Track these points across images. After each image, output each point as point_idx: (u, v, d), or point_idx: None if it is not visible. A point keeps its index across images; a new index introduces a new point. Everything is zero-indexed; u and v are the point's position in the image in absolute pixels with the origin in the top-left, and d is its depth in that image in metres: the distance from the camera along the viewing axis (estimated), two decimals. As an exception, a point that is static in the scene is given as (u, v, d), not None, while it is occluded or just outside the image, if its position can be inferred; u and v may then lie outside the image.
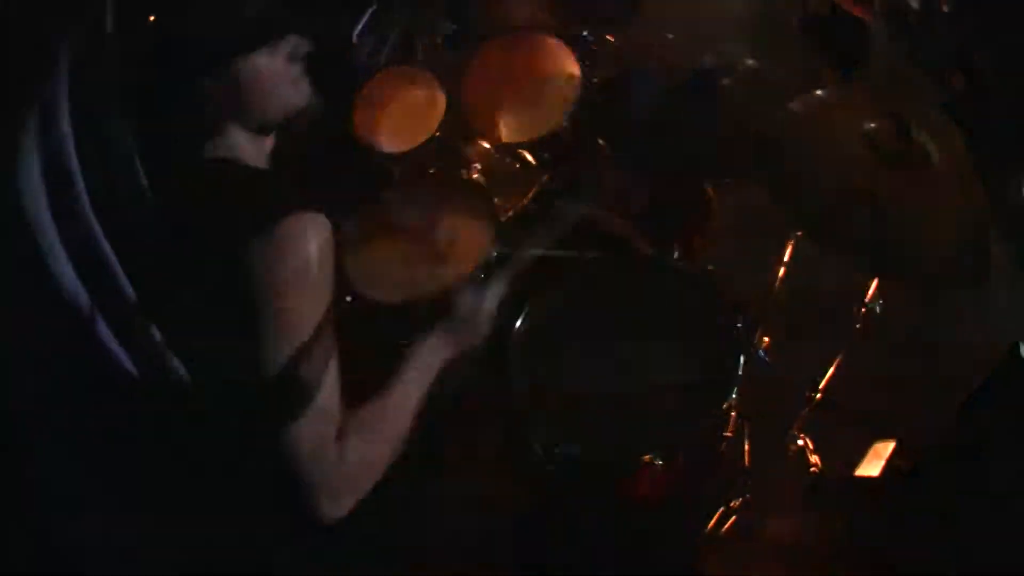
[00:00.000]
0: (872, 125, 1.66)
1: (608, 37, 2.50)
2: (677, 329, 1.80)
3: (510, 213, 2.12)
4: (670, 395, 1.71)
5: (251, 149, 1.38)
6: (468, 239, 1.87)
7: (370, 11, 3.03)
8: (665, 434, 1.70)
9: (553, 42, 2.24)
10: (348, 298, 1.79)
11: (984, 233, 1.58)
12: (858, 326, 2.09)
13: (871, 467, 2.38)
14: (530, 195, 2.15)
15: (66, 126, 1.15)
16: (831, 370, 2.03)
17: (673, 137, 2.23)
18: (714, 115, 2.19)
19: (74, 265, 1.18)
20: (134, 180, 1.22)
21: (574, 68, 2.18)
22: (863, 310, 2.05)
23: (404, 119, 2.31)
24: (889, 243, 1.56)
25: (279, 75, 1.34)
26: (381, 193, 2.07)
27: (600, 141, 2.28)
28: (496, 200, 2.06)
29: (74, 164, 1.16)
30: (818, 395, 2.08)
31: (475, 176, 2.17)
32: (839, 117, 1.74)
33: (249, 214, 1.22)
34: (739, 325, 1.78)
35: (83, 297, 1.19)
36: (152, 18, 1.24)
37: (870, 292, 2.07)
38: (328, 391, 1.23)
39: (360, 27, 3.05)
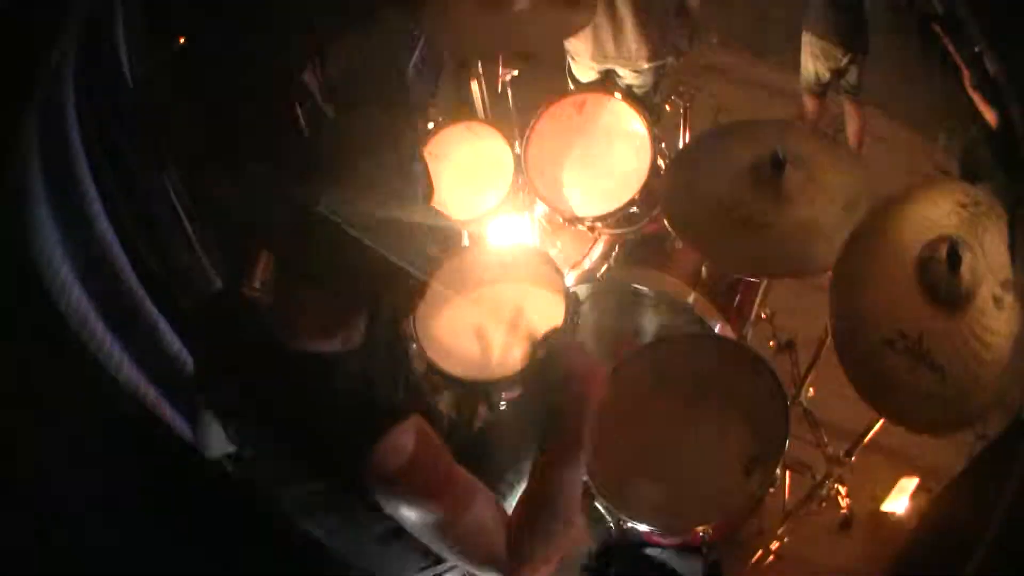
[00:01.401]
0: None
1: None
2: (728, 402, 1.91)
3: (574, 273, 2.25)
4: (727, 467, 1.83)
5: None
6: (541, 312, 1.89)
7: (422, 42, 3.07)
8: (720, 505, 1.84)
9: (622, 107, 2.28)
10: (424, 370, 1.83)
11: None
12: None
13: (897, 503, 2.58)
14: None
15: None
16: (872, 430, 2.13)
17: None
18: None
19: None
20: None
21: (644, 134, 2.21)
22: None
23: (473, 179, 2.36)
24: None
25: None
26: (452, 259, 2.04)
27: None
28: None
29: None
30: (852, 458, 2.18)
31: (553, 251, 2.25)
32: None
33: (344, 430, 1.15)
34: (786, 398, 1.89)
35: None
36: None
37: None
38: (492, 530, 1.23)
39: (415, 58, 3.09)
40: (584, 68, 2.77)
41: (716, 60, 3.85)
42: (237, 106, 2.15)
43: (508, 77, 2.57)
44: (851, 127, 3.45)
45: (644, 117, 2.23)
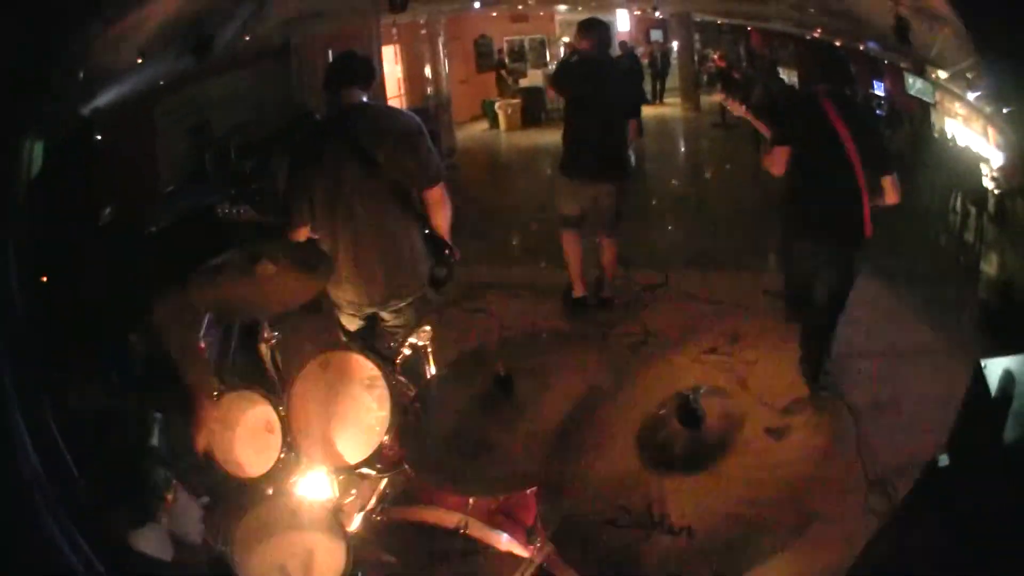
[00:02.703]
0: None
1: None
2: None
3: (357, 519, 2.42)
4: None
5: None
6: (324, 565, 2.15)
7: (208, 316, 3.37)
8: None
9: (361, 362, 2.51)
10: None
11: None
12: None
13: None
14: (373, 501, 2.47)
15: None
16: None
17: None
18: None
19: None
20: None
21: (383, 386, 2.45)
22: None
23: (252, 443, 2.58)
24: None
25: None
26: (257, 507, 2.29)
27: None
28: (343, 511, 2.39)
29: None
30: None
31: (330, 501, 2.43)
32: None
33: None
34: None
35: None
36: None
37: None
38: None
39: (204, 327, 3.39)
40: (348, 317, 3.11)
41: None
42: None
43: (273, 340, 2.82)
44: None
45: (380, 366, 2.47)
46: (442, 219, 3.20)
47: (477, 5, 9.39)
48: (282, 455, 2.52)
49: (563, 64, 5.59)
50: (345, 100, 3.18)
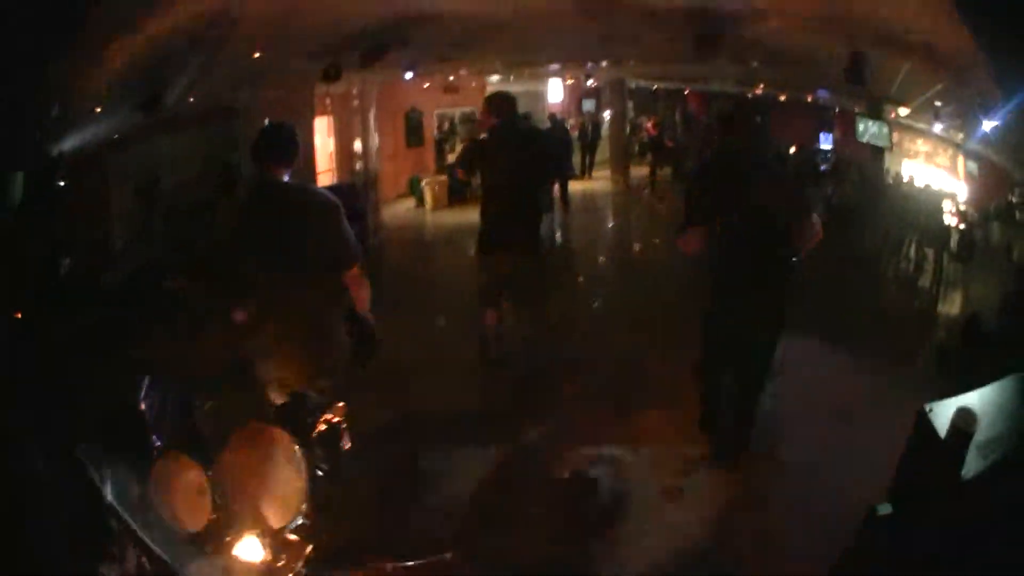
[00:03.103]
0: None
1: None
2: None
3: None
4: None
5: None
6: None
7: (146, 380, 3.65)
8: None
9: (279, 436, 2.73)
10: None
11: None
12: None
13: None
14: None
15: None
16: None
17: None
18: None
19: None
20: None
21: (299, 458, 2.69)
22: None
23: (187, 502, 2.75)
24: None
25: None
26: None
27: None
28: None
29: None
30: None
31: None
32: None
33: None
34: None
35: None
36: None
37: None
38: None
39: (143, 392, 3.65)
40: (275, 391, 3.43)
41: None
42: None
43: (207, 407, 3.14)
44: None
45: (297, 441, 2.70)
46: (362, 298, 3.35)
47: (408, 75, 9.36)
48: (212, 516, 2.74)
49: (467, 147, 5.55)
50: (268, 176, 3.27)
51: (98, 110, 5.87)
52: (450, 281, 8.03)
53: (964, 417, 1.66)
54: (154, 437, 3.28)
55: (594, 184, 14.86)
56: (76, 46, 3.93)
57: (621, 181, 14.53)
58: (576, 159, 14.45)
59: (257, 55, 6.50)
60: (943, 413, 1.69)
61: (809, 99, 9.60)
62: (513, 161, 4.93)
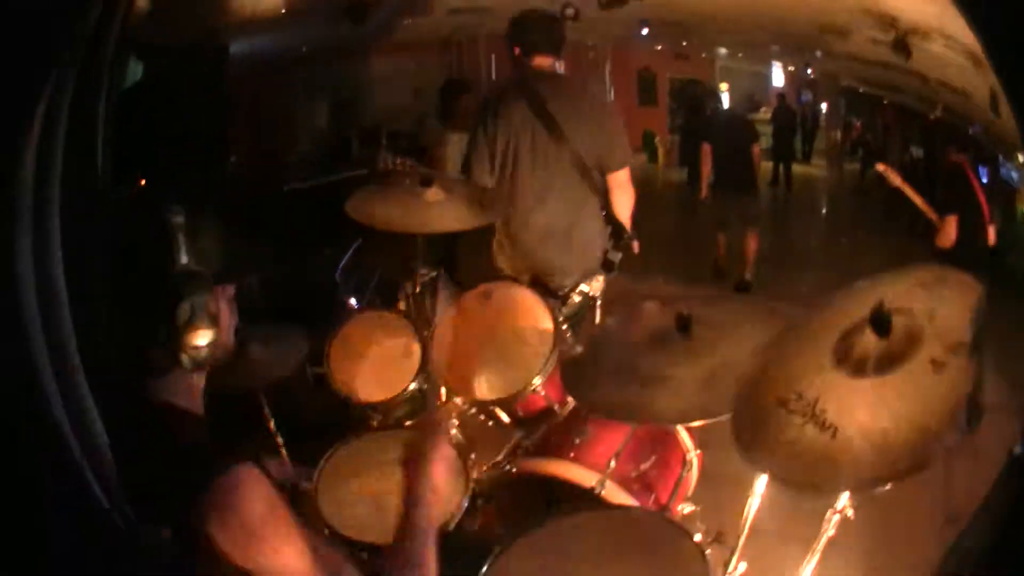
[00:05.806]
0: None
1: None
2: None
3: (484, 470, 2.12)
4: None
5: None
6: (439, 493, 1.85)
7: (353, 248, 3.19)
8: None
9: (528, 296, 2.30)
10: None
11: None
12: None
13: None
14: (504, 453, 2.16)
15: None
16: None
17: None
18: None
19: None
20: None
21: (548, 323, 2.22)
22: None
23: (380, 368, 2.36)
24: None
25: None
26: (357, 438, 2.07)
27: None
28: (472, 456, 2.07)
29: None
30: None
31: (452, 432, 2.16)
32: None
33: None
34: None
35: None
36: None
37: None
38: None
39: (344, 263, 3.21)
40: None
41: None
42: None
43: (425, 278, 2.64)
44: None
45: (548, 306, 2.23)
46: (624, 204, 3.01)
47: (644, 31, 9.26)
48: (412, 384, 2.28)
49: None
50: (534, 65, 3.05)
51: (283, 11, 5.55)
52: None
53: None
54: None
55: (813, 170, 14.50)
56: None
57: (836, 172, 14.18)
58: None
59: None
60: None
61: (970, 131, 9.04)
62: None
